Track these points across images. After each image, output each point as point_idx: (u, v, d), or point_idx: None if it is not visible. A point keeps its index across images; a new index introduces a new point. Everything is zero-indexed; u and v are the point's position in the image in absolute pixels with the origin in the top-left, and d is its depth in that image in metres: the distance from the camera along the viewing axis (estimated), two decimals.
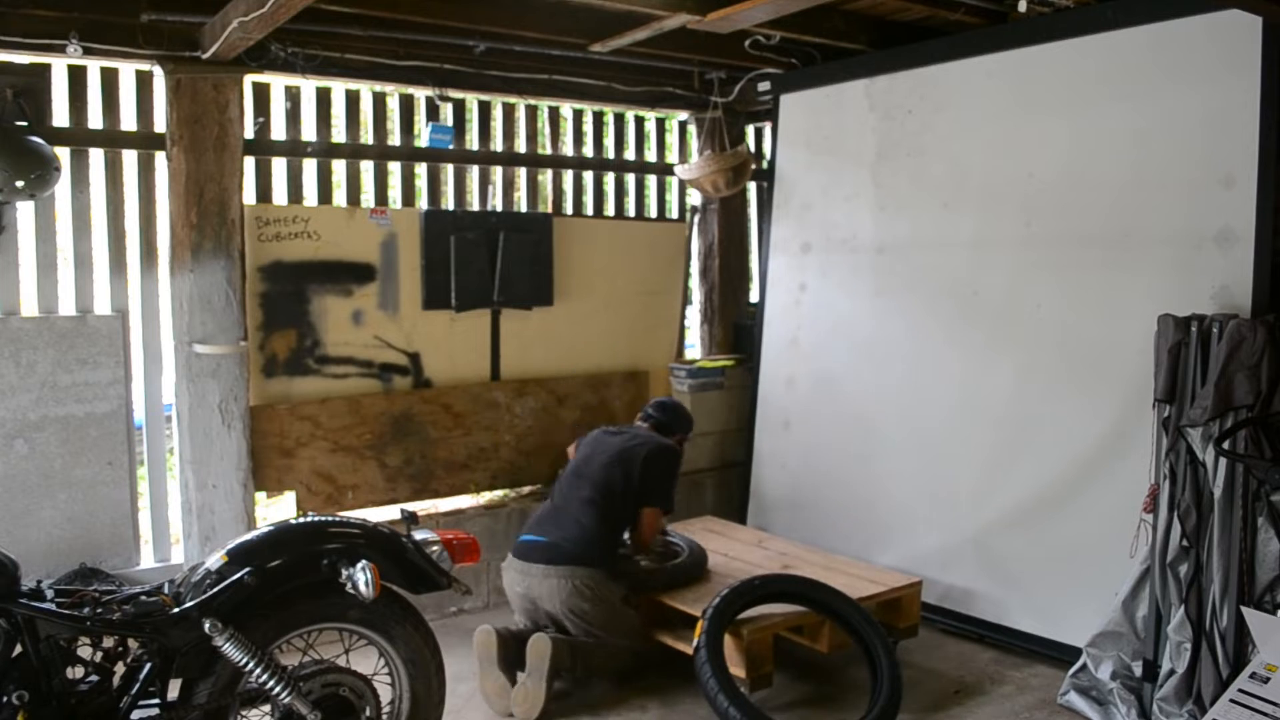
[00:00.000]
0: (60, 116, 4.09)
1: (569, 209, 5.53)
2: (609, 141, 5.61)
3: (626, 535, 4.13)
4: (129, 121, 4.25)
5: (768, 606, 3.78)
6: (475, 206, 5.17)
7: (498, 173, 5.27)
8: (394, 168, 4.96)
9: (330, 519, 3.19)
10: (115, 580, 3.86)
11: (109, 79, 4.18)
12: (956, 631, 4.40)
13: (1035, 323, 4.23)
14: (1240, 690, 2.81)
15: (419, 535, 3.00)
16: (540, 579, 3.81)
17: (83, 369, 4.02)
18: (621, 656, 3.87)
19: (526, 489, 5.13)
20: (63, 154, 3.98)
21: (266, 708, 2.79)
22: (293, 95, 4.63)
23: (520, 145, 5.32)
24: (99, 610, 2.61)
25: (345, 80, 4.67)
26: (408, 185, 5.03)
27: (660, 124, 6.10)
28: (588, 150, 5.56)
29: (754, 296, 6.11)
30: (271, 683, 2.66)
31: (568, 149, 5.59)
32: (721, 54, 5.05)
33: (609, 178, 5.64)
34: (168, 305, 4.27)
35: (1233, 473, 3.29)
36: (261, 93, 4.52)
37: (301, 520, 3.19)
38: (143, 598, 2.69)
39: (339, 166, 4.90)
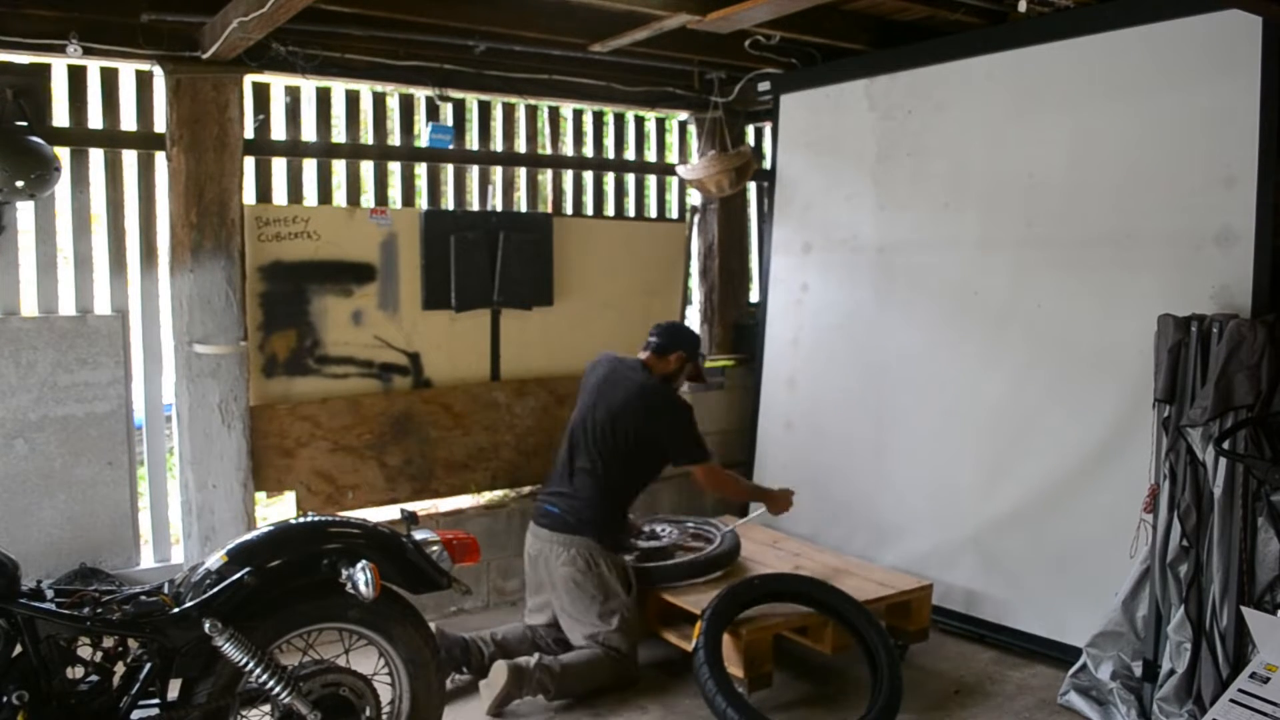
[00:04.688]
0: (60, 116, 4.09)
1: (569, 209, 5.53)
2: (609, 141, 5.61)
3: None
4: (129, 121, 4.24)
5: (768, 606, 3.78)
6: (475, 206, 5.17)
7: (498, 173, 5.27)
8: (394, 168, 4.96)
9: (330, 519, 3.20)
10: (115, 580, 3.86)
11: (109, 79, 4.18)
12: (956, 631, 4.40)
13: (1036, 322, 4.23)
14: (1240, 690, 2.81)
15: (419, 535, 3.00)
16: (546, 543, 3.97)
17: (83, 369, 4.02)
18: (600, 670, 3.83)
19: (526, 489, 5.12)
20: (63, 154, 3.98)
21: (266, 707, 2.79)
22: (292, 95, 4.63)
23: (520, 145, 5.32)
24: (99, 610, 2.61)
25: (345, 80, 4.67)
26: (408, 185, 5.03)
27: (660, 124, 6.10)
28: (588, 150, 5.56)
29: (754, 296, 6.11)
30: (271, 683, 2.66)
31: (568, 149, 5.58)
32: (721, 54, 5.05)
33: (609, 178, 5.64)
34: (168, 305, 4.26)
35: (1233, 473, 3.29)
36: (261, 93, 4.52)
37: (301, 520, 3.19)
38: (143, 598, 2.69)
39: (339, 166, 4.90)
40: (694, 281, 6.02)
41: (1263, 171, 3.53)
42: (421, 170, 5.12)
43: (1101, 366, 3.97)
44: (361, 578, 2.68)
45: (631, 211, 5.77)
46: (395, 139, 4.94)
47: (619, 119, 5.64)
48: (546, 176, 5.48)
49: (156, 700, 2.67)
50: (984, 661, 4.16)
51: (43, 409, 3.95)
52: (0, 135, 3.72)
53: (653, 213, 5.96)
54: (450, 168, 5.13)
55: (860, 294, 4.97)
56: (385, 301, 4.72)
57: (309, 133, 4.68)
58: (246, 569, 2.68)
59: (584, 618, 3.89)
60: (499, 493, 5.10)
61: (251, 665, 2.63)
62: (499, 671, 3.71)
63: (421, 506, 4.74)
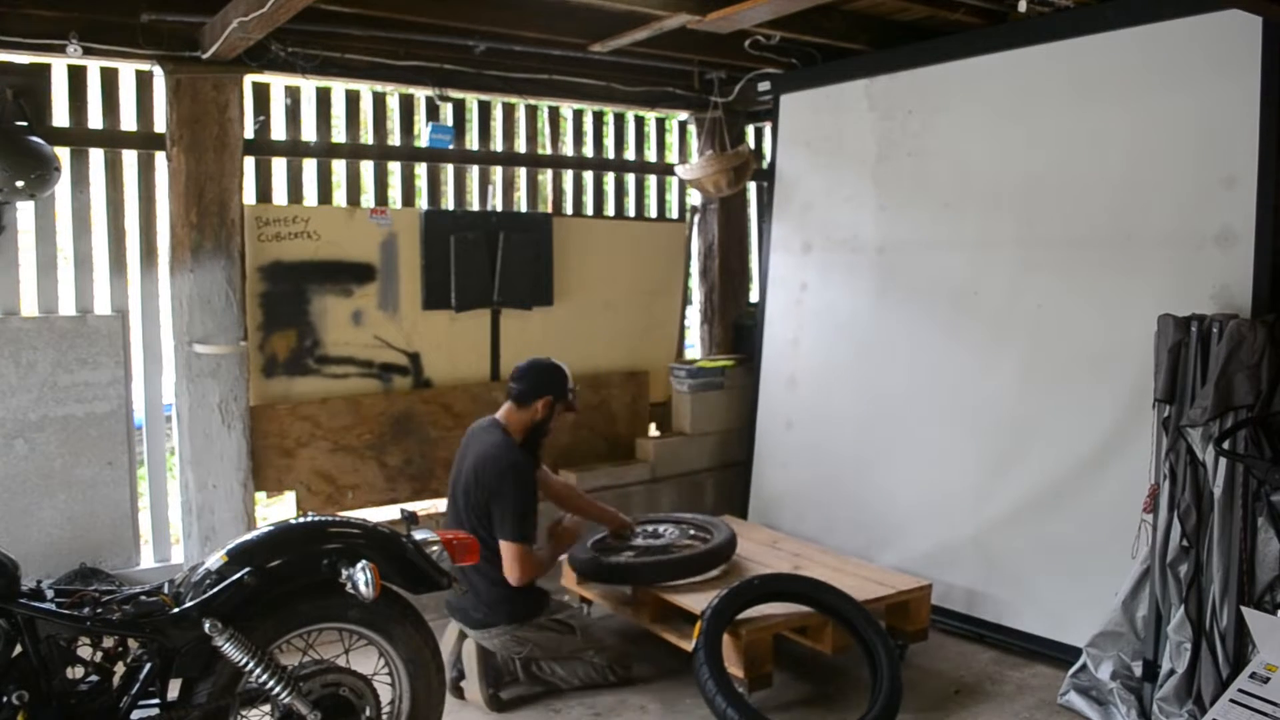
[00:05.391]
0: (60, 116, 4.09)
1: (569, 209, 5.53)
2: (609, 141, 5.61)
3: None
4: (129, 121, 4.25)
5: (768, 606, 3.77)
6: (475, 206, 5.17)
7: (497, 173, 5.28)
8: (394, 168, 4.96)
9: (330, 519, 3.19)
10: (115, 580, 3.86)
11: (109, 79, 4.18)
12: (956, 631, 4.40)
13: (1036, 323, 4.23)
14: (1240, 690, 2.81)
15: (419, 535, 3.00)
16: (471, 638, 3.83)
17: (83, 369, 4.02)
18: (583, 668, 3.86)
19: None
20: (63, 154, 3.98)
21: (266, 708, 2.79)
22: (293, 95, 4.63)
23: (520, 145, 5.32)
24: (99, 610, 2.61)
25: (345, 80, 4.67)
26: (408, 185, 5.04)
27: (660, 124, 6.10)
28: (588, 150, 5.56)
29: (754, 296, 6.11)
30: (271, 683, 2.66)
31: (568, 149, 5.59)
32: (721, 54, 5.05)
33: (609, 178, 5.64)
34: (168, 305, 4.27)
35: (1233, 473, 3.29)
36: (261, 93, 4.52)
37: (301, 520, 3.19)
38: (143, 598, 2.69)
39: (339, 166, 4.90)
40: (694, 281, 6.02)
41: (1263, 171, 3.53)
42: (421, 170, 5.12)
43: (1101, 366, 3.97)
44: (361, 578, 2.68)
45: (631, 211, 5.77)
46: (395, 139, 4.94)
47: (619, 119, 5.64)
48: (546, 176, 5.48)
49: (156, 700, 2.67)
50: (984, 661, 4.16)
51: (43, 409, 3.95)
52: (0, 135, 3.72)
53: (653, 213, 5.96)
54: (450, 168, 5.13)
55: (860, 294, 4.97)
56: (385, 301, 4.72)
57: (309, 133, 4.68)
58: (246, 569, 2.68)
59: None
60: None
61: (251, 665, 2.63)
62: (468, 647, 3.76)
63: (421, 506, 4.74)
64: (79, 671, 2.64)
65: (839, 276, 5.10)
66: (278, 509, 4.90)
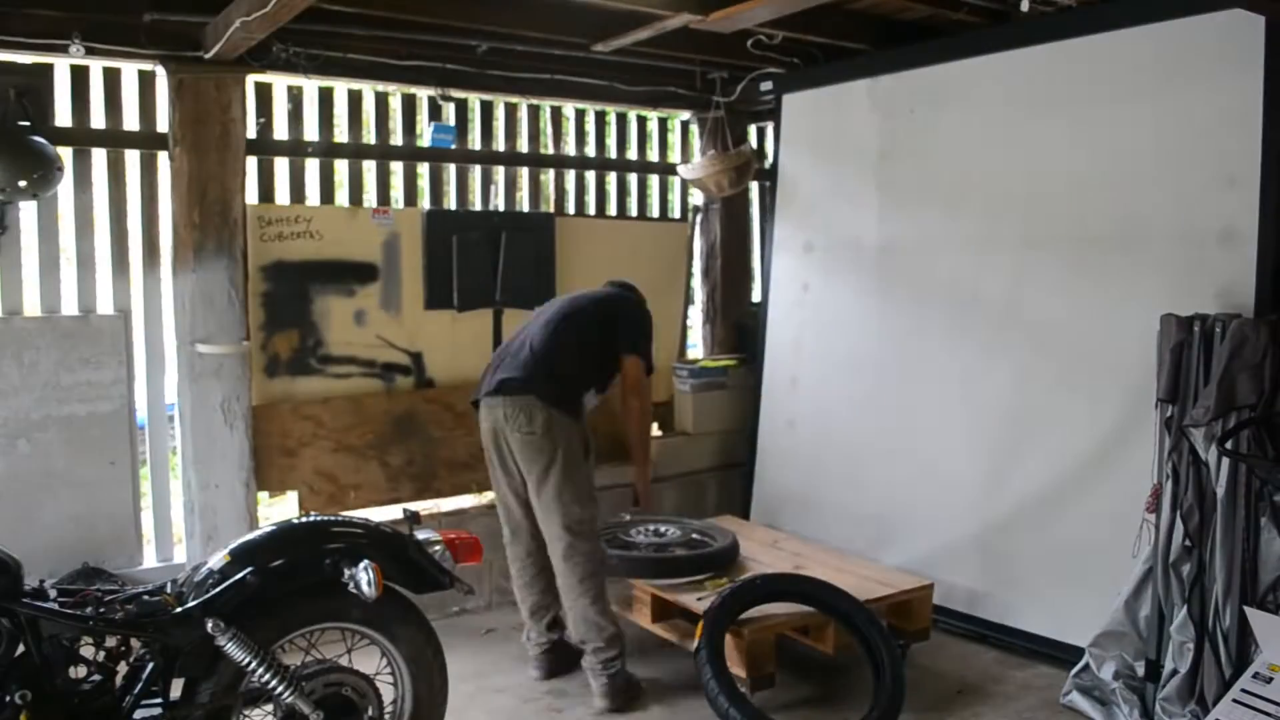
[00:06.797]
0: (63, 116, 4.09)
1: (571, 209, 5.53)
2: (611, 141, 5.61)
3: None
4: (131, 121, 4.25)
5: (770, 606, 3.77)
6: (478, 206, 5.17)
7: (500, 172, 5.27)
8: (396, 167, 4.96)
9: (333, 518, 3.19)
10: (118, 580, 3.86)
11: (111, 79, 4.18)
12: (959, 631, 4.40)
13: (1038, 322, 4.23)
14: (1243, 690, 2.82)
15: (421, 535, 2.99)
16: (499, 408, 3.81)
17: (85, 369, 4.02)
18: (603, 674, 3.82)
19: None
20: (65, 154, 3.97)
21: (269, 707, 2.79)
22: (295, 95, 4.63)
23: (523, 145, 5.32)
24: (101, 610, 2.61)
25: (348, 80, 4.67)
26: (410, 185, 5.04)
27: (662, 124, 6.09)
28: (590, 150, 5.55)
29: (756, 296, 6.11)
30: (274, 682, 2.66)
31: (570, 149, 5.58)
32: (723, 54, 5.05)
33: (611, 177, 5.64)
34: (170, 305, 4.27)
35: (1235, 472, 3.28)
36: (264, 92, 4.52)
37: (304, 520, 3.19)
38: (145, 597, 2.69)
39: (341, 166, 4.90)
40: (696, 281, 6.02)
41: (1265, 171, 3.52)
42: (424, 170, 5.12)
43: (1104, 366, 3.96)
44: (364, 577, 2.68)
45: (634, 211, 5.77)
46: (398, 139, 4.94)
47: (621, 119, 5.64)
48: (549, 176, 5.48)
49: (159, 700, 2.67)
50: (987, 661, 4.16)
51: (45, 408, 3.95)
52: (3, 135, 3.73)
53: (655, 212, 5.96)
54: (453, 167, 5.13)
55: (862, 294, 4.97)
56: (388, 301, 4.72)
57: (311, 133, 4.68)
58: (249, 569, 2.68)
59: (549, 497, 3.77)
60: None
61: (254, 665, 2.63)
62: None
63: (424, 506, 4.73)
64: (81, 671, 2.63)
65: (841, 276, 5.09)
66: (280, 509, 4.90)
